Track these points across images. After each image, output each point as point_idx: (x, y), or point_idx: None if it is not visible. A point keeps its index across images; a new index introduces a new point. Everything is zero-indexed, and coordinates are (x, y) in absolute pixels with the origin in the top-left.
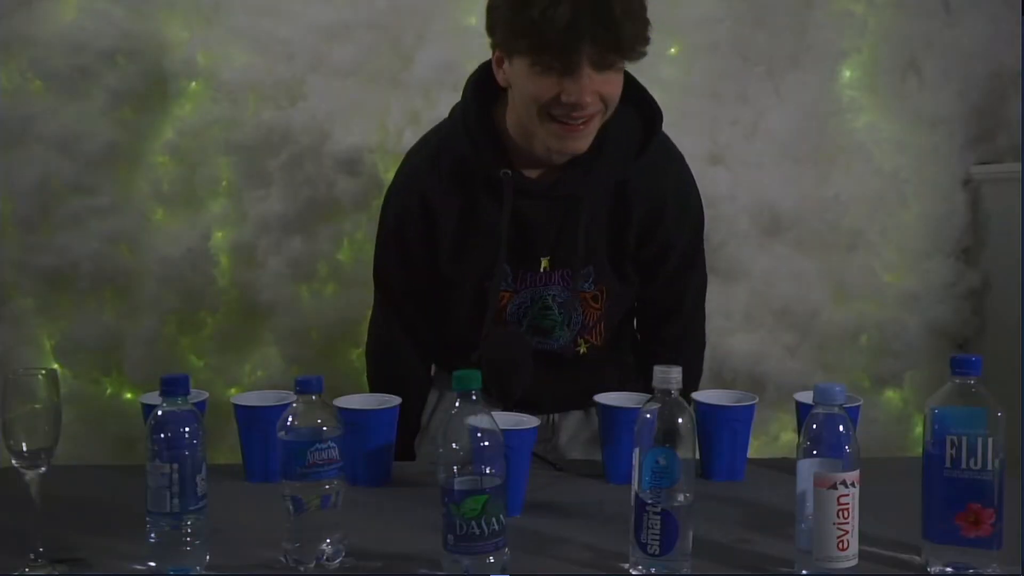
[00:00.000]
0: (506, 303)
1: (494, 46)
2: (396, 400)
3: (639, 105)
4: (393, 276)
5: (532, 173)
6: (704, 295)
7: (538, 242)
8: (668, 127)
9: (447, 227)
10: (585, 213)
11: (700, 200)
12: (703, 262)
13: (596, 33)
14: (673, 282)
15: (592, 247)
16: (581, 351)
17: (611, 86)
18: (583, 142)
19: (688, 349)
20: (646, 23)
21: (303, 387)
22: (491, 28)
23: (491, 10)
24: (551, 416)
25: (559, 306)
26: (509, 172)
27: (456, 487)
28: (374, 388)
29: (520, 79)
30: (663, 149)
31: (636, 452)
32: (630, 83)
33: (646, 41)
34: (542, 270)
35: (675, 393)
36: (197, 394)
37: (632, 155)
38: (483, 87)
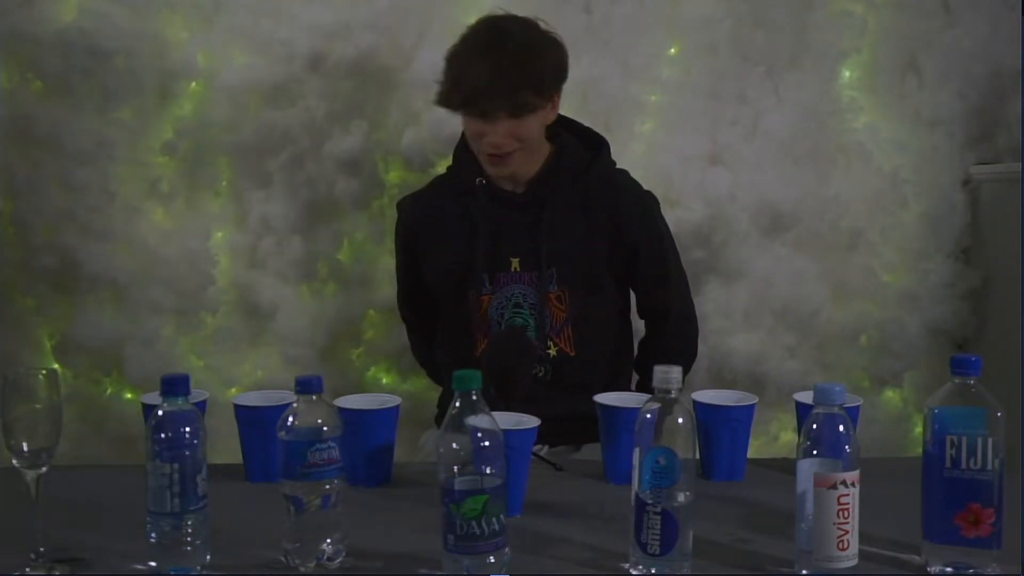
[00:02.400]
0: (487, 307)
1: None
2: (396, 400)
3: (582, 136)
4: (402, 282)
5: (504, 186)
6: (691, 310)
7: (509, 244)
8: (668, 127)
9: (429, 246)
10: (547, 218)
11: (664, 222)
12: (684, 280)
13: (501, 95)
14: (651, 291)
15: (555, 250)
16: (552, 353)
17: (524, 128)
18: (507, 169)
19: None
20: (549, 75)
21: (303, 387)
22: None
23: None
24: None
25: (529, 306)
26: (484, 180)
27: (456, 487)
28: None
29: (462, 120)
30: (627, 178)
31: (636, 452)
32: (571, 121)
33: (552, 89)
34: (512, 270)
35: (675, 393)
36: (197, 394)
37: (582, 170)
38: None
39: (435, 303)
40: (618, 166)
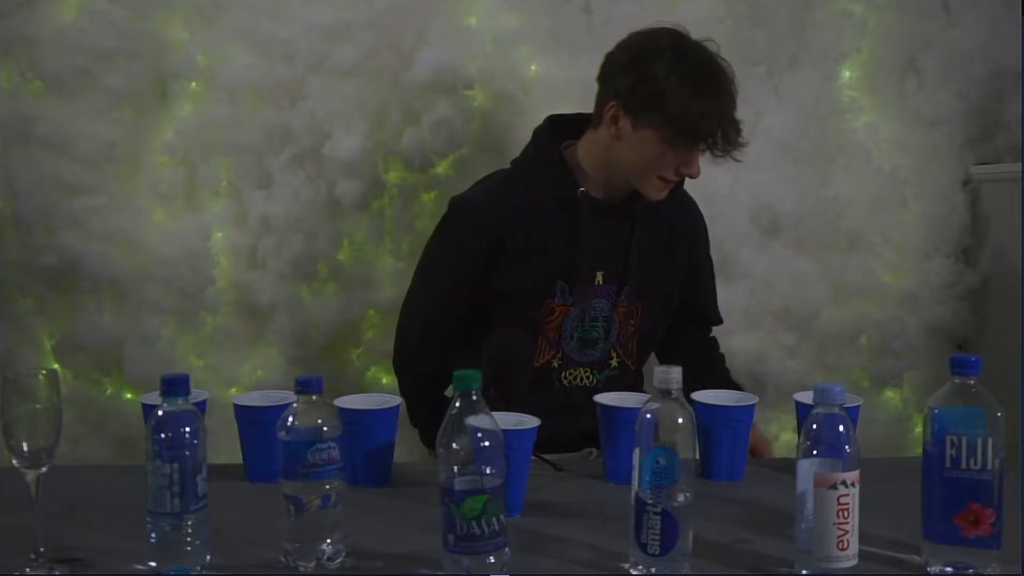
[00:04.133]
0: (563, 319)
1: (614, 106)
2: (396, 400)
3: None
4: (450, 296)
5: (597, 193)
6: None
7: (597, 256)
8: None
9: (520, 252)
10: (640, 230)
11: None
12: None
13: (725, 136)
14: (710, 292)
15: (641, 264)
16: (613, 364)
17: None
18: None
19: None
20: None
21: (303, 387)
22: (619, 93)
23: (637, 81)
24: (588, 450)
25: (604, 319)
26: (585, 190)
27: (456, 487)
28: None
29: (643, 145)
30: (685, 191)
31: (636, 452)
32: None
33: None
34: (596, 283)
35: (675, 393)
36: (197, 394)
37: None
38: (555, 130)
39: (475, 322)
40: None
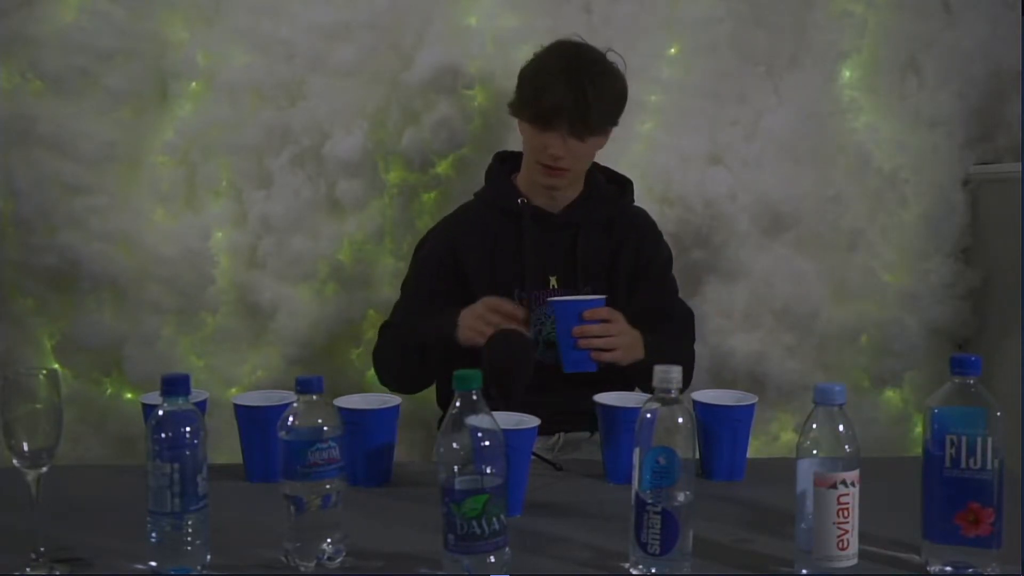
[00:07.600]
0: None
1: (512, 115)
2: (396, 400)
3: (607, 174)
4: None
5: (543, 207)
6: (685, 314)
7: (548, 263)
8: (668, 127)
9: (473, 263)
10: (582, 238)
11: (665, 240)
12: (677, 288)
13: (572, 114)
14: (657, 291)
15: (589, 268)
16: None
17: (583, 149)
18: (558, 182)
19: (686, 340)
20: (617, 107)
21: (303, 387)
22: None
23: (518, 85)
24: (557, 435)
25: None
26: (526, 200)
27: (456, 487)
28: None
29: (524, 133)
30: (641, 209)
31: (636, 452)
32: (602, 167)
33: (614, 122)
34: (551, 287)
35: (675, 393)
36: (197, 394)
37: (612, 200)
38: (504, 159)
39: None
40: (619, 166)
